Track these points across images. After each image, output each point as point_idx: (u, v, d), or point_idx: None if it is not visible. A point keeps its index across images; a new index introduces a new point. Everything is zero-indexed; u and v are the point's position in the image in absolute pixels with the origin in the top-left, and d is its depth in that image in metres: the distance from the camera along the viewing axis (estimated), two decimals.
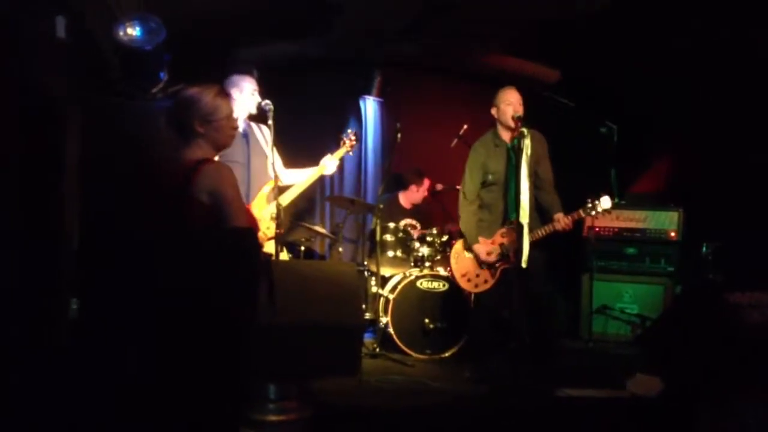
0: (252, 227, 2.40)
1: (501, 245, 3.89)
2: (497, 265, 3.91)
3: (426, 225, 5.36)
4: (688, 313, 3.38)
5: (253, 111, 3.84)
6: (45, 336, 2.73)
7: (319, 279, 2.48)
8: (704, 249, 4.80)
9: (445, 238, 4.91)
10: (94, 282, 2.05)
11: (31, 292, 2.67)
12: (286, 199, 3.79)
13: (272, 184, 3.64)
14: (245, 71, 4.00)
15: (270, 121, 3.46)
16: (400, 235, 4.93)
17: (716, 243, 4.77)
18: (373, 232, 4.80)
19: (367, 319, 4.79)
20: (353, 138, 4.17)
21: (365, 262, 5.13)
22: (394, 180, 5.66)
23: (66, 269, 2.95)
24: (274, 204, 3.44)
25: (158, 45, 3.46)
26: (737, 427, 2.68)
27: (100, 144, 3.39)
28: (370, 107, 6.18)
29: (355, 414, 3.05)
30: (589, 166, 5.77)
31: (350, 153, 4.28)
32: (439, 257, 4.89)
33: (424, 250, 4.86)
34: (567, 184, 4.07)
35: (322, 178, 4.22)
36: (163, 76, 3.75)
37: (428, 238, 4.89)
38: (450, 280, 4.53)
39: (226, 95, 2.41)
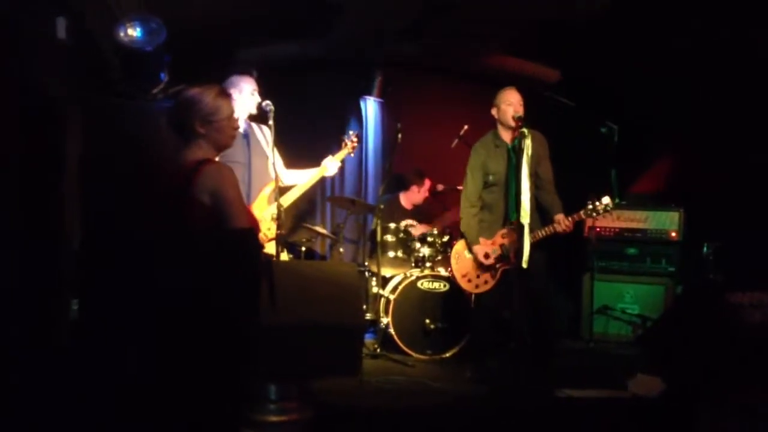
0: (253, 228, 2.40)
1: (501, 246, 3.89)
2: (498, 265, 3.91)
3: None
4: (689, 314, 3.38)
5: (253, 111, 3.84)
6: (45, 336, 2.74)
7: (320, 279, 2.48)
8: (705, 249, 4.80)
9: (446, 238, 4.91)
10: (95, 282, 2.05)
11: (32, 293, 2.68)
12: (287, 200, 3.79)
13: (273, 184, 3.65)
14: (244, 72, 4.01)
15: (271, 122, 3.46)
16: (401, 235, 4.93)
17: (717, 243, 4.77)
18: (374, 232, 4.80)
19: (367, 320, 4.79)
20: (355, 139, 4.17)
21: (366, 263, 5.12)
22: (395, 180, 5.66)
23: (66, 269, 2.95)
24: (275, 205, 3.44)
25: (159, 46, 3.47)
26: (738, 427, 2.68)
27: (100, 144, 3.39)
28: (370, 108, 6.19)
29: (355, 414, 3.05)
30: (590, 166, 5.76)
31: (351, 154, 4.27)
32: (439, 258, 4.88)
33: (425, 251, 4.86)
34: (567, 184, 4.07)
35: (322, 179, 4.21)
36: (164, 76, 3.76)
37: (429, 239, 4.89)
38: (451, 280, 4.52)
39: (227, 96, 2.40)
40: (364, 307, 4.79)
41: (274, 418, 2.38)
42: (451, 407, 3.30)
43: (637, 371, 3.48)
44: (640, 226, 5.30)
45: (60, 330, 2.82)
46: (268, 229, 3.58)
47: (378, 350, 4.44)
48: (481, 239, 3.93)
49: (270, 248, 3.50)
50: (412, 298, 4.57)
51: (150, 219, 2.39)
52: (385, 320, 4.58)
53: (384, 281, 4.90)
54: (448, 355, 4.50)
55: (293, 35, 5.28)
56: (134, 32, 3.39)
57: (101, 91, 3.69)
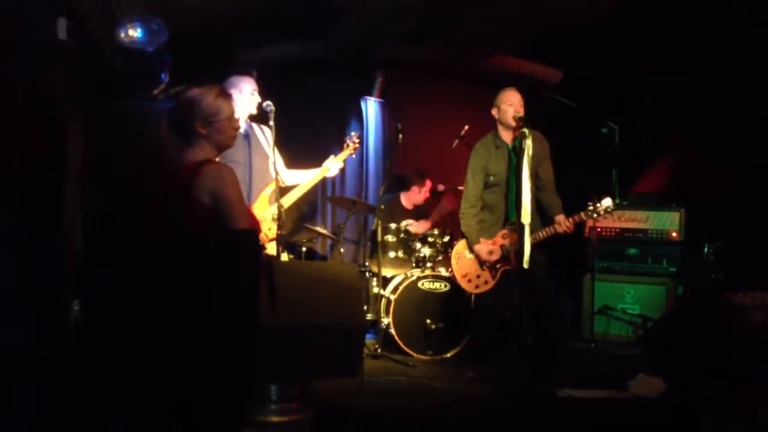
0: (254, 228, 2.40)
1: (502, 246, 3.89)
2: (498, 266, 3.91)
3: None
4: (690, 314, 3.37)
5: (254, 111, 3.84)
6: (46, 337, 2.74)
7: (321, 280, 2.48)
8: (706, 249, 4.80)
9: (446, 238, 4.91)
10: (95, 283, 2.05)
11: (32, 293, 2.67)
12: (287, 200, 3.79)
13: (274, 185, 3.65)
14: (244, 72, 4.01)
15: (271, 122, 3.46)
16: (402, 235, 4.93)
17: (718, 243, 4.76)
18: (375, 232, 4.80)
19: (368, 320, 4.79)
20: (356, 140, 4.16)
21: (367, 263, 5.13)
22: (396, 181, 5.67)
23: (67, 270, 2.95)
24: (275, 205, 3.44)
25: (160, 46, 3.47)
26: (739, 428, 2.68)
27: (101, 145, 3.39)
28: (371, 108, 6.19)
29: (356, 415, 3.05)
30: (590, 166, 5.77)
31: (353, 155, 4.27)
32: (440, 258, 4.89)
33: (426, 251, 4.86)
34: (568, 184, 4.07)
35: (323, 179, 4.22)
36: (165, 77, 3.76)
37: (429, 239, 4.89)
38: (451, 280, 4.52)
39: (228, 96, 2.40)
40: (365, 307, 4.79)
41: (274, 419, 2.38)
42: (452, 407, 3.30)
43: (638, 372, 3.47)
44: (641, 226, 5.30)
45: (61, 331, 2.82)
46: (268, 229, 3.58)
47: (379, 350, 4.44)
48: (482, 240, 3.93)
49: (271, 248, 3.50)
50: (412, 299, 4.57)
51: (150, 219, 2.39)
52: (385, 320, 4.58)
53: (385, 281, 4.91)
54: (449, 355, 4.50)
55: (294, 36, 5.29)
56: (135, 33, 3.39)
57: (102, 91, 3.69)
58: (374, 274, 4.89)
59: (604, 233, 5.33)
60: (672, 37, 4.63)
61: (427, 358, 4.47)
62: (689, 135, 5.38)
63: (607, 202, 3.78)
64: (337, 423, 2.85)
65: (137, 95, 3.72)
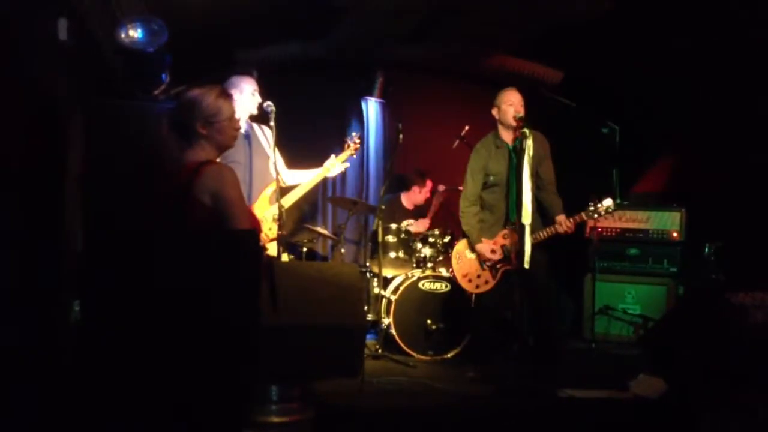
0: (254, 229, 2.40)
1: (503, 246, 3.89)
2: (499, 266, 3.90)
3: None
4: (691, 314, 3.37)
5: (254, 111, 3.84)
6: (46, 337, 2.73)
7: (321, 280, 2.48)
8: (706, 249, 4.80)
9: (447, 239, 4.91)
10: (96, 283, 2.05)
11: (32, 293, 2.67)
12: (288, 200, 3.79)
13: (275, 185, 3.65)
14: (245, 72, 4.01)
15: (272, 122, 3.46)
16: (402, 236, 4.93)
17: (718, 243, 4.76)
18: (375, 233, 4.80)
19: (369, 321, 4.79)
20: (357, 141, 4.16)
21: (367, 263, 5.12)
22: (397, 181, 5.67)
23: (67, 270, 2.95)
24: (276, 205, 3.44)
25: (160, 47, 3.46)
26: (740, 428, 2.68)
27: (101, 145, 3.39)
28: (371, 108, 6.19)
29: (357, 415, 3.05)
30: (591, 166, 5.77)
31: (354, 156, 4.27)
32: (441, 258, 4.89)
33: (426, 251, 4.86)
34: (568, 184, 4.07)
35: (324, 180, 4.22)
36: (165, 77, 3.76)
37: (430, 239, 4.89)
38: (452, 281, 4.52)
39: (228, 96, 2.40)
40: (366, 308, 4.79)
41: (275, 419, 2.38)
42: (452, 408, 3.30)
43: (639, 372, 3.47)
44: (642, 226, 5.30)
45: (61, 331, 2.82)
46: (269, 229, 3.58)
47: (379, 351, 4.44)
48: (483, 240, 3.93)
49: (271, 249, 3.50)
50: (413, 299, 4.57)
51: (151, 219, 2.38)
52: (386, 321, 4.58)
53: (385, 282, 4.90)
54: (449, 355, 4.49)
55: (294, 36, 5.28)
56: (135, 33, 3.39)
57: (102, 92, 3.69)
58: (375, 275, 4.89)
59: (604, 233, 5.33)
60: (672, 37, 4.62)
61: (428, 358, 4.47)
62: (689, 135, 5.38)
63: (607, 202, 3.78)
64: (338, 423, 2.85)
65: (137, 95, 3.72)
